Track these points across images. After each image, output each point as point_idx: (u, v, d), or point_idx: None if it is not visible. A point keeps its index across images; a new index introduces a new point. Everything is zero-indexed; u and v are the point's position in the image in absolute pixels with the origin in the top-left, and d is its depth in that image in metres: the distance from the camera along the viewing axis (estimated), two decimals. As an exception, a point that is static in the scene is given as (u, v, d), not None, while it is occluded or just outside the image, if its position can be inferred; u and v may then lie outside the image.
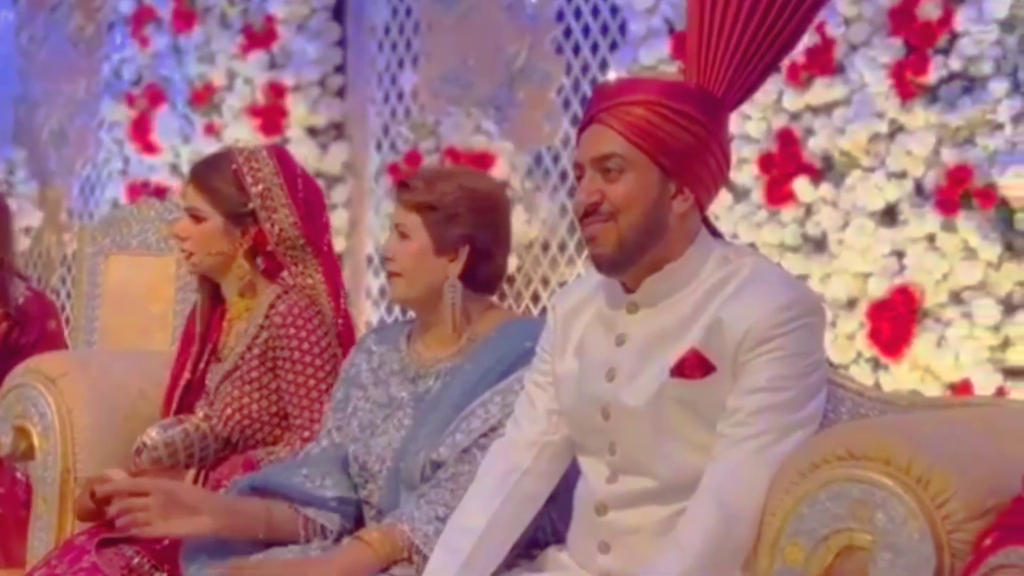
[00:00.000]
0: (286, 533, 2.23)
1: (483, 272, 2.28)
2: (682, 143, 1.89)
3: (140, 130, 5.02)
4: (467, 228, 2.24)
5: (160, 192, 4.86)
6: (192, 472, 2.50)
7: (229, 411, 2.50)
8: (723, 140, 1.95)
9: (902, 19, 3.40)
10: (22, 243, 5.24)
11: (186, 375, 2.62)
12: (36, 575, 2.38)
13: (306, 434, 2.44)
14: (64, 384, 2.75)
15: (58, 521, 2.70)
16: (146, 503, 2.18)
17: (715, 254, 1.95)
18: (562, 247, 4.21)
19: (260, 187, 2.54)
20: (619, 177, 1.90)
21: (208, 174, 2.56)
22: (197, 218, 2.54)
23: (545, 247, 4.21)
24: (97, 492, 2.34)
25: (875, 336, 3.44)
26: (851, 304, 3.50)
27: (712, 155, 1.92)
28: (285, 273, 2.59)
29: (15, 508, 3.02)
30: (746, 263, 1.93)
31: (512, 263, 3.49)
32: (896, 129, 3.43)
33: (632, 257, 1.92)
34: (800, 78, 3.49)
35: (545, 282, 4.21)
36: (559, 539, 2.13)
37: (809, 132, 3.54)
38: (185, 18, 4.88)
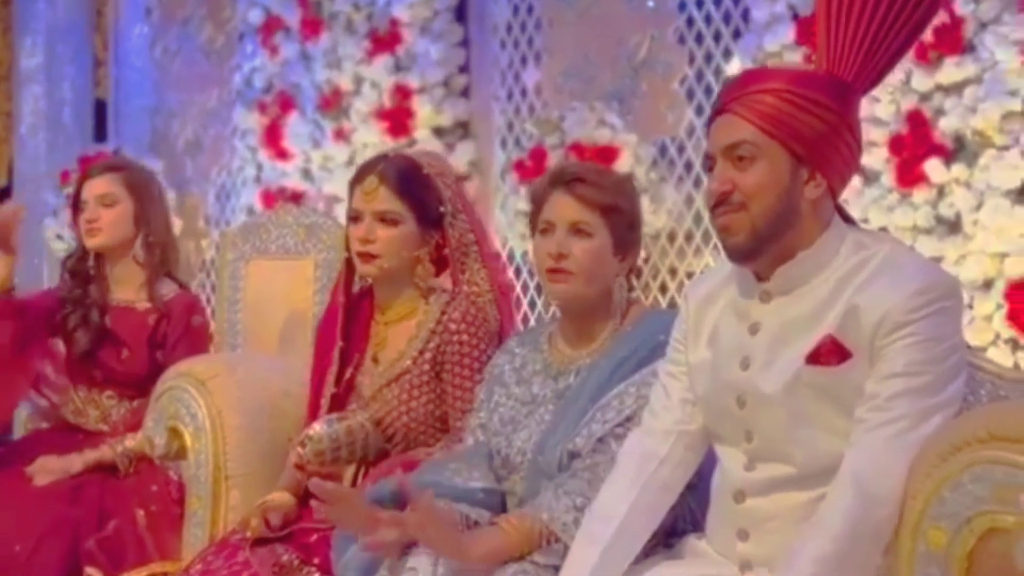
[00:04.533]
0: None
1: (635, 268, 2.34)
2: (813, 129, 1.90)
3: (272, 137, 5.06)
4: (639, 230, 2.32)
5: (296, 198, 4.88)
6: (352, 468, 2.54)
7: (396, 414, 2.52)
8: (854, 125, 1.94)
9: (1033, -6, 3.32)
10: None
11: (331, 378, 2.62)
12: (194, 569, 2.47)
13: (463, 435, 2.45)
14: (214, 386, 2.83)
15: (211, 517, 2.79)
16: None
17: (849, 240, 1.94)
18: (688, 237, 4.17)
19: (450, 192, 2.58)
20: (750, 165, 1.91)
21: (404, 178, 2.54)
22: (392, 221, 2.54)
23: (671, 237, 4.18)
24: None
25: (1013, 317, 3.36)
26: (987, 285, 3.42)
27: (843, 140, 1.92)
28: (440, 279, 2.61)
29: (168, 505, 3.09)
30: (881, 248, 1.92)
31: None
32: (1030, 106, 3.35)
33: (764, 245, 1.93)
34: (929, 58, 3.43)
35: (672, 272, 4.19)
36: (698, 527, 2.15)
37: (940, 112, 3.47)
38: (312, 26, 4.91)
